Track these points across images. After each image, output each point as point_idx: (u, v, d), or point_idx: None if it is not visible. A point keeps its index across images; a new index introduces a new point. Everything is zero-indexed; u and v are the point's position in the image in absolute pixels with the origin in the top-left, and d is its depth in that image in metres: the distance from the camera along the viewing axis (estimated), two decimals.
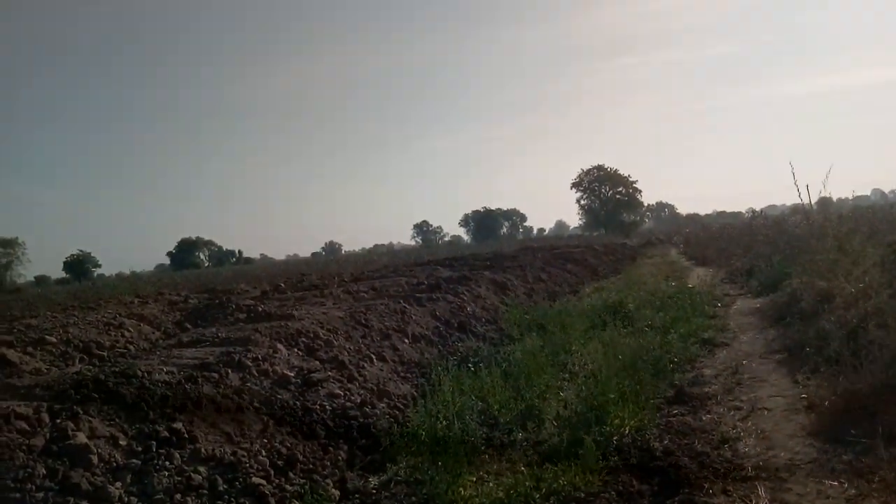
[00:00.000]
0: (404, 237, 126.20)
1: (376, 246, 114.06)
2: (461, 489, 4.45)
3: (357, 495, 4.89)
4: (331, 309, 9.71)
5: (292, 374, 6.39)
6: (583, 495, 4.39)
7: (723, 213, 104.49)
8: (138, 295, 14.68)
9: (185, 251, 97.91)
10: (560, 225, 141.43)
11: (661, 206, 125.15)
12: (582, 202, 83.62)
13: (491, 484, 4.61)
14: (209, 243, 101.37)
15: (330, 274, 21.67)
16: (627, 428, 5.47)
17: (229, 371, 6.03)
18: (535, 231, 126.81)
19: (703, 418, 5.90)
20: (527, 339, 9.98)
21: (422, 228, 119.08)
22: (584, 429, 5.42)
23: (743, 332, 9.88)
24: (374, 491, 4.93)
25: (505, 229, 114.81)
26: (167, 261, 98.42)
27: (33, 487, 3.69)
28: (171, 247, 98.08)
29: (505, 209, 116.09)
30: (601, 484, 4.52)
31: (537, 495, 4.39)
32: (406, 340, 9.01)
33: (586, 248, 31.44)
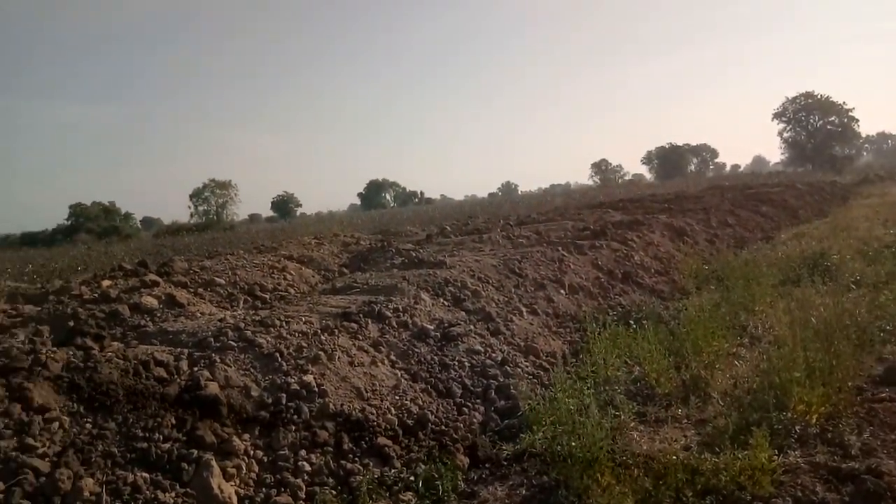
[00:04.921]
0: (582, 177, 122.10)
1: (552, 186, 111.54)
2: (598, 475, 3.89)
3: (487, 465, 4.55)
4: (485, 256, 9.35)
5: (432, 328, 6.14)
6: (748, 498, 3.64)
7: None
8: (316, 236, 15.45)
9: (373, 192, 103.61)
10: (758, 161, 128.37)
11: (882, 138, 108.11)
12: (785, 134, 74.26)
13: (636, 471, 4.00)
14: (394, 185, 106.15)
15: (496, 217, 21.37)
16: (815, 415, 4.51)
17: (369, 322, 5.91)
18: (727, 168, 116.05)
19: None
20: (703, 295, 8.90)
21: (600, 167, 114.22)
22: (759, 412, 4.56)
23: None
24: (506, 462, 4.56)
25: (693, 167, 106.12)
26: (358, 201, 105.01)
27: (160, 438, 3.77)
28: (362, 188, 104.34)
29: (693, 144, 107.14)
30: (774, 486, 3.71)
31: (690, 493, 3.71)
32: (562, 291, 8.42)
33: (786, 187, 27.89)
